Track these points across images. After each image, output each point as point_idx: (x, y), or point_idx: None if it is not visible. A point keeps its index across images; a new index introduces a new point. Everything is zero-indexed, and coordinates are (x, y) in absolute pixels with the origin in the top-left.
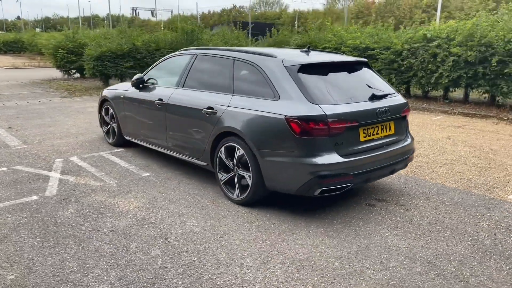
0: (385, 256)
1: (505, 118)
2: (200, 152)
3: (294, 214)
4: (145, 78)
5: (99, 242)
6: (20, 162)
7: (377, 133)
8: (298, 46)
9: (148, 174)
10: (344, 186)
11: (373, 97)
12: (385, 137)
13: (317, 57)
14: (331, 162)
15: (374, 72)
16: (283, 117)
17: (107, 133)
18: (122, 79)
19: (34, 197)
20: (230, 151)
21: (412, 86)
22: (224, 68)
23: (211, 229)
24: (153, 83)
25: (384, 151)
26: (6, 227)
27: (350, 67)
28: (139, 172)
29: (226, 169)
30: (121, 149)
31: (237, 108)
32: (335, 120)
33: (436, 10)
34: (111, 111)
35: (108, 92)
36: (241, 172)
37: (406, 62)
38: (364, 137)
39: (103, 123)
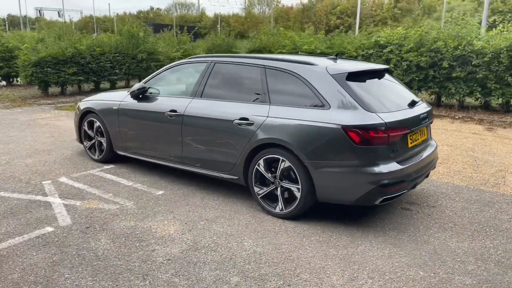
0: (459, 260)
1: (457, 117)
2: (230, 165)
3: (343, 224)
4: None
5: (164, 274)
6: (1, 187)
7: (417, 139)
8: (251, 51)
9: (162, 192)
10: (400, 193)
11: (412, 104)
12: (422, 142)
13: (353, 64)
14: (392, 170)
15: (394, 78)
16: (339, 126)
17: (91, 148)
18: (63, 86)
19: (49, 228)
20: (271, 163)
21: None
22: (253, 76)
23: (273, 247)
24: (155, 93)
25: (426, 155)
26: (38, 267)
27: (380, 74)
28: (150, 190)
29: (263, 182)
30: (111, 166)
31: (280, 119)
32: (393, 128)
33: (349, 17)
34: (97, 124)
35: (93, 103)
36: (286, 185)
37: None
38: (411, 143)
39: (85, 137)
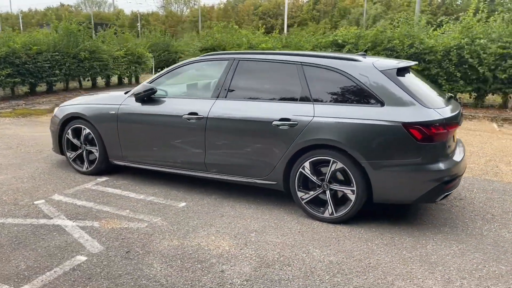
0: None
1: None
2: (267, 170)
3: (392, 224)
4: None
5: None
6: None
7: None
8: (204, 50)
9: (184, 203)
10: (454, 190)
11: (449, 99)
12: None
13: (390, 61)
14: (451, 166)
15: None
16: (399, 124)
17: (76, 160)
18: None
19: (81, 258)
20: (318, 166)
21: None
22: (288, 74)
23: (345, 255)
24: (162, 95)
25: (461, 150)
26: None
27: (410, 71)
28: (169, 203)
29: (307, 186)
30: (105, 178)
31: (330, 118)
32: (450, 123)
33: (271, 18)
34: (86, 132)
35: (81, 108)
36: (336, 187)
37: None
38: (454, 139)
39: (68, 147)
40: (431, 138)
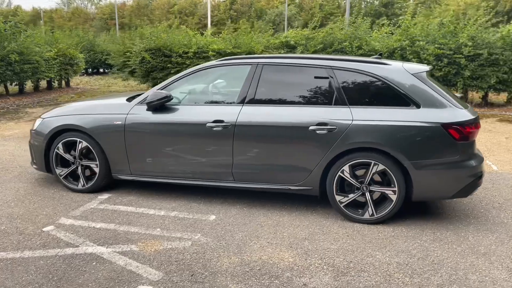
0: None
1: None
2: (303, 176)
3: (422, 221)
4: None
5: None
6: None
7: None
8: (149, 50)
9: (214, 216)
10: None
11: (461, 99)
12: None
13: (413, 64)
14: (481, 162)
15: None
16: (438, 124)
17: (67, 177)
18: None
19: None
20: (357, 169)
21: None
22: (318, 78)
23: (407, 256)
24: (175, 103)
25: None
26: None
27: None
28: (198, 217)
29: (343, 190)
30: (107, 195)
31: (369, 121)
32: (478, 122)
33: (187, 16)
34: (83, 145)
35: (75, 119)
36: (376, 189)
37: None
38: None
39: (57, 164)
40: (466, 137)
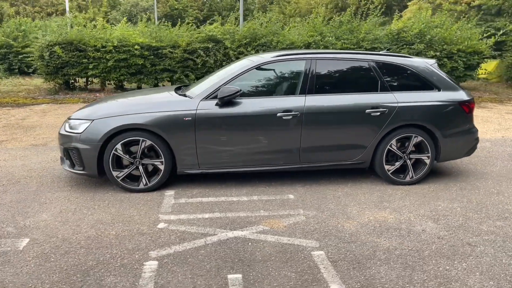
0: None
1: None
2: (359, 152)
3: (441, 181)
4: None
5: None
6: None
7: None
8: (58, 44)
9: (291, 196)
10: None
11: None
12: None
13: (427, 59)
14: (477, 129)
15: None
16: (456, 102)
17: (126, 179)
18: None
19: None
20: (403, 142)
21: None
22: (363, 70)
23: (467, 199)
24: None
25: None
26: None
27: None
28: (278, 197)
29: (388, 160)
30: (172, 191)
31: (410, 103)
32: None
33: (25, 5)
34: (147, 144)
35: (137, 118)
36: (415, 156)
37: (200, 60)
38: None
39: (113, 166)
40: (471, 111)
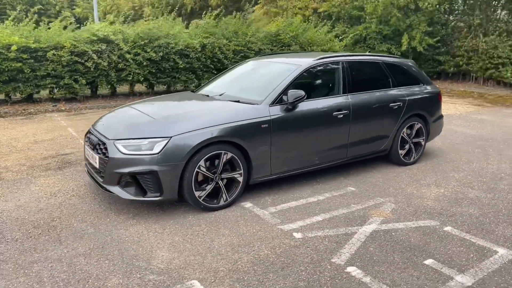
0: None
1: None
2: (383, 142)
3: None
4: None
5: None
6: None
7: None
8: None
9: (352, 188)
10: None
11: None
12: None
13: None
14: None
15: None
16: (436, 94)
17: (206, 198)
18: None
19: None
20: (410, 129)
21: (100, 85)
22: (378, 70)
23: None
24: None
25: None
26: None
27: None
28: (349, 191)
29: (402, 144)
30: (249, 203)
31: (413, 96)
32: None
33: None
34: (228, 156)
35: (219, 129)
36: (416, 140)
37: (92, 63)
38: None
39: (197, 187)
40: (440, 100)
